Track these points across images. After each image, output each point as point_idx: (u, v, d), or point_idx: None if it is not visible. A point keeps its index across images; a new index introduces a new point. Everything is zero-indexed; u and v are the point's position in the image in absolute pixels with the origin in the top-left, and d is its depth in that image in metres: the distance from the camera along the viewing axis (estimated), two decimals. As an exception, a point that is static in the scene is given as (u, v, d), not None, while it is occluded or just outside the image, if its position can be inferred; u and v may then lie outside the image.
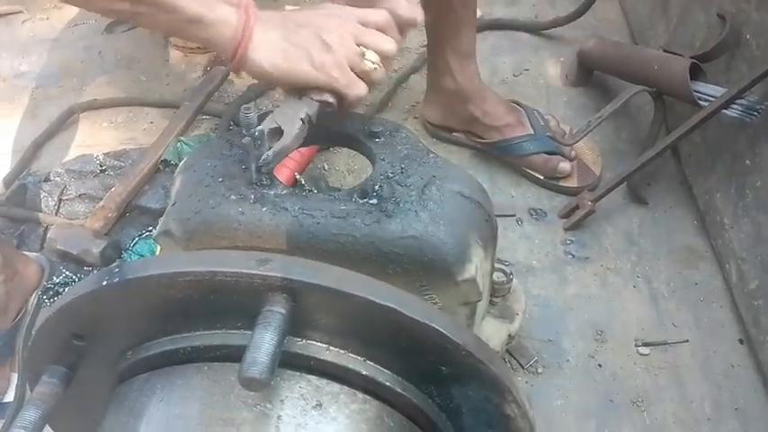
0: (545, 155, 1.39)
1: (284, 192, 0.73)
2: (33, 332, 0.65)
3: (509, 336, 0.96)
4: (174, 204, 0.74)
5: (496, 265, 0.89)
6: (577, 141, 1.38)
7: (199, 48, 1.72)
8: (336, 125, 0.82)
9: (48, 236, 1.30)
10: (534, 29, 1.76)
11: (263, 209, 0.70)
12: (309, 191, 0.77)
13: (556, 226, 1.36)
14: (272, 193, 0.72)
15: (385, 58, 0.77)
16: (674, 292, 1.25)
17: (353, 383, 0.57)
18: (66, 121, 1.58)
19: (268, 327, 0.51)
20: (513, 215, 1.38)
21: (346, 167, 1.46)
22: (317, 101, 0.74)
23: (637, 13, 1.71)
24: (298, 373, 0.56)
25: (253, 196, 0.71)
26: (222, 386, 0.55)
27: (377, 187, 0.73)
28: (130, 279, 0.55)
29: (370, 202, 0.72)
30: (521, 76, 1.66)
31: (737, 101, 1.17)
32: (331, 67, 0.73)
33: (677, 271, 1.28)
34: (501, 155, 1.44)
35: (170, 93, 1.66)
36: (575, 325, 1.21)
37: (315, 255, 0.68)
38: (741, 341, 1.18)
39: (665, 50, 1.36)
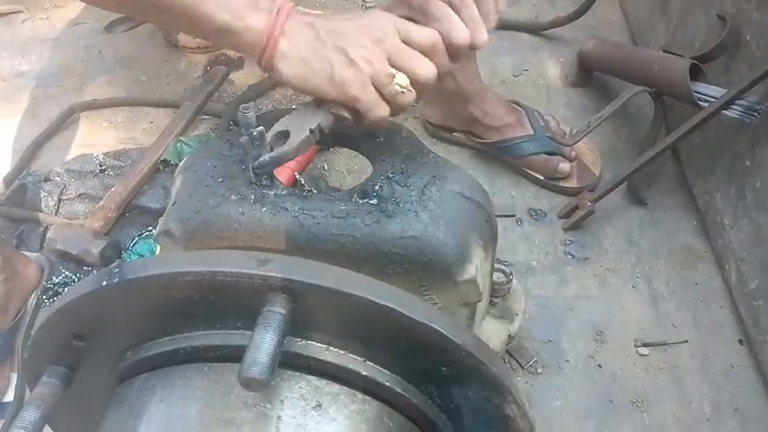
0: (545, 155, 1.39)
1: (284, 192, 0.73)
2: (33, 332, 0.65)
3: (509, 336, 0.96)
4: (174, 204, 0.74)
5: (496, 266, 0.89)
6: (577, 142, 1.38)
7: (199, 47, 1.73)
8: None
9: (47, 236, 1.30)
10: (534, 29, 1.76)
11: (264, 209, 0.70)
12: (309, 191, 0.77)
13: (555, 226, 1.36)
14: (273, 193, 0.72)
15: (418, 83, 0.70)
16: (674, 293, 1.25)
17: (353, 384, 0.57)
18: (66, 121, 1.58)
19: (268, 327, 0.51)
20: (513, 215, 1.38)
21: (346, 168, 1.46)
22: (333, 114, 0.72)
23: (637, 14, 1.72)
24: (298, 374, 0.56)
25: (253, 196, 0.71)
26: (222, 386, 0.55)
27: (377, 187, 0.73)
28: (130, 279, 0.55)
29: (370, 202, 0.72)
30: (521, 77, 1.66)
31: (737, 101, 1.17)
32: (351, 85, 0.68)
33: (677, 271, 1.28)
34: (501, 155, 1.44)
35: (170, 92, 1.66)
36: (574, 325, 1.21)
37: (315, 255, 0.68)
38: (741, 342, 1.18)
39: (665, 51, 1.36)
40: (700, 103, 1.23)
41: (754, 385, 1.13)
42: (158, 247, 0.77)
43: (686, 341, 1.19)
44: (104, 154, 1.49)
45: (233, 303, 0.55)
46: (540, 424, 1.07)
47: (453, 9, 0.71)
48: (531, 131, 1.40)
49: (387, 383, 0.58)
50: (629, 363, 1.16)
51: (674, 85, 1.28)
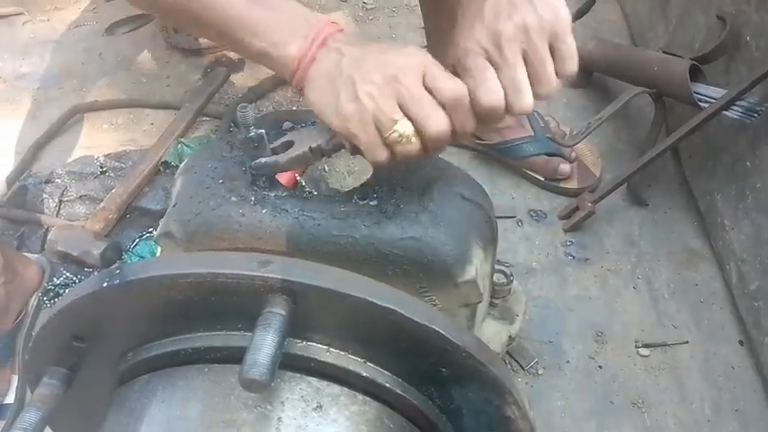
0: (545, 156, 1.39)
1: (285, 193, 0.73)
2: (34, 334, 0.65)
3: (509, 337, 0.96)
4: (174, 206, 0.74)
5: (497, 267, 0.89)
6: (577, 143, 1.38)
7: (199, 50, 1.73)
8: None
9: (48, 237, 1.30)
10: (534, 30, 1.76)
11: (264, 210, 0.70)
12: (310, 192, 0.77)
13: (556, 227, 1.36)
14: (273, 194, 0.72)
15: (425, 136, 0.64)
16: (674, 294, 1.25)
17: (354, 385, 0.57)
18: (66, 123, 1.58)
19: (268, 328, 0.52)
20: (514, 217, 1.38)
21: (346, 169, 1.46)
22: (335, 141, 0.70)
23: (637, 15, 1.72)
24: (298, 375, 0.56)
25: (253, 198, 0.71)
26: (223, 387, 0.55)
27: (377, 189, 0.74)
28: (131, 280, 0.55)
29: (371, 203, 0.72)
30: (521, 78, 1.66)
31: (737, 102, 1.17)
32: (350, 120, 0.63)
33: (677, 272, 1.28)
34: (501, 156, 1.44)
35: (170, 94, 1.66)
36: (575, 326, 1.21)
37: (315, 256, 0.68)
38: (741, 342, 1.18)
39: (664, 52, 1.36)
40: (700, 103, 1.23)
41: (755, 386, 1.13)
42: (159, 249, 0.77)
43: (687, 342, 1.19)
44: (105, 155, 1.49)
45: (234, 305, 0.55)
46: (541, 425, 1.07)
47: (494, 67, 0.64)
48: (532, 133, 1.40)
49: (387, 385, 0.58)
50: (629, 364, 1.16)
51: (674, 86, 1.28)
